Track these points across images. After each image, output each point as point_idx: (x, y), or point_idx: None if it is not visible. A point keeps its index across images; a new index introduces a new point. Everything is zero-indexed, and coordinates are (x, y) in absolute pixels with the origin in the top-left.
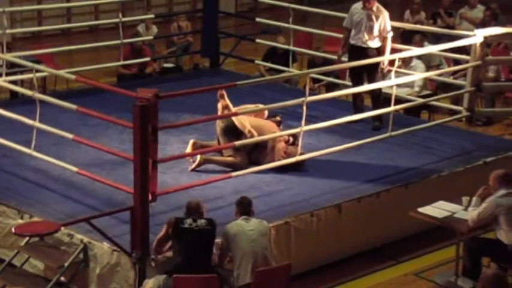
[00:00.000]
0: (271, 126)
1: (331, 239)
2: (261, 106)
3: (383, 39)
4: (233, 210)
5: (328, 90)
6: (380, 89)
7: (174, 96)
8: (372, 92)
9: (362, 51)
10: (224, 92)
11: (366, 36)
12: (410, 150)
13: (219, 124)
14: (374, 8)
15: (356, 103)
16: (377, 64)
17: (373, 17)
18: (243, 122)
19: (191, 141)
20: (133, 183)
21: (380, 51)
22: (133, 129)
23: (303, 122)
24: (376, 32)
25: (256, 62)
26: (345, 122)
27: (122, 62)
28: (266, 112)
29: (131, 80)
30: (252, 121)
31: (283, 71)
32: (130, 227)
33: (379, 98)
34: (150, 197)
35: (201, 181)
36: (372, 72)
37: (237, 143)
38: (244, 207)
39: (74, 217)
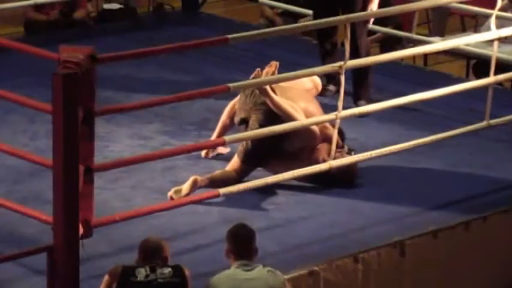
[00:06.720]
0: (309, 112)
1: None
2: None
3: None
4: (222, 250)
5: (382, 49)
6: (365, 47)
7: (121, 59)
8: (353, 51)
9: None
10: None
11: None
12: None
13: (256, 116)
14: None
15: (326, 51)
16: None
17: None
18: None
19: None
20: (53, 206)
21: None
22: (53, 114)
23: (340, 103)
24: None
25: (261, 0)
26: (414, 101)
27: (33, 0)
28: (306, 83)
29: (48, 31)
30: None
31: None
32: (46, 281)
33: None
34: (81, 230)
35: (168, 203)
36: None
37: (227, 137)
38: (242, 245)
39: None
